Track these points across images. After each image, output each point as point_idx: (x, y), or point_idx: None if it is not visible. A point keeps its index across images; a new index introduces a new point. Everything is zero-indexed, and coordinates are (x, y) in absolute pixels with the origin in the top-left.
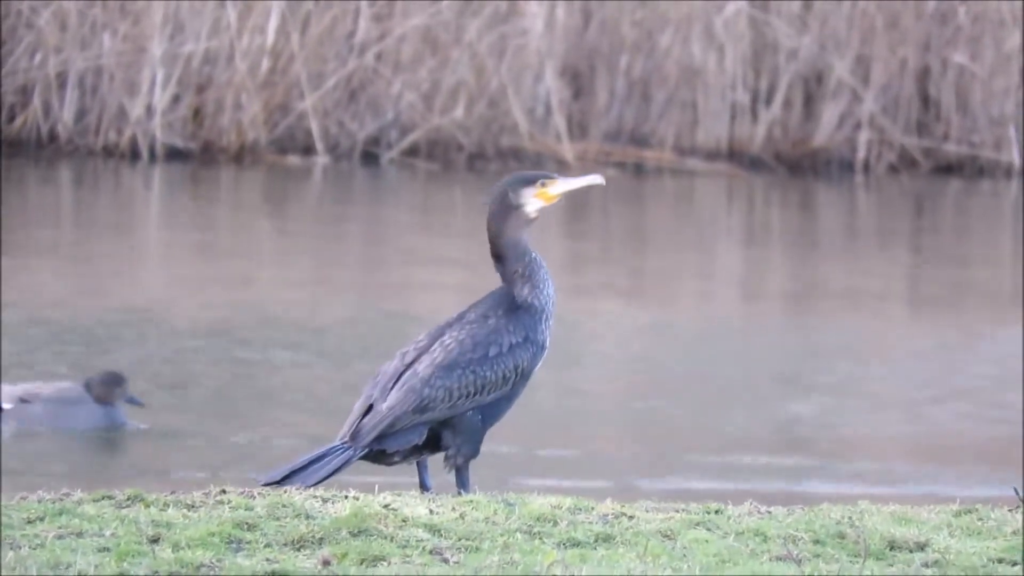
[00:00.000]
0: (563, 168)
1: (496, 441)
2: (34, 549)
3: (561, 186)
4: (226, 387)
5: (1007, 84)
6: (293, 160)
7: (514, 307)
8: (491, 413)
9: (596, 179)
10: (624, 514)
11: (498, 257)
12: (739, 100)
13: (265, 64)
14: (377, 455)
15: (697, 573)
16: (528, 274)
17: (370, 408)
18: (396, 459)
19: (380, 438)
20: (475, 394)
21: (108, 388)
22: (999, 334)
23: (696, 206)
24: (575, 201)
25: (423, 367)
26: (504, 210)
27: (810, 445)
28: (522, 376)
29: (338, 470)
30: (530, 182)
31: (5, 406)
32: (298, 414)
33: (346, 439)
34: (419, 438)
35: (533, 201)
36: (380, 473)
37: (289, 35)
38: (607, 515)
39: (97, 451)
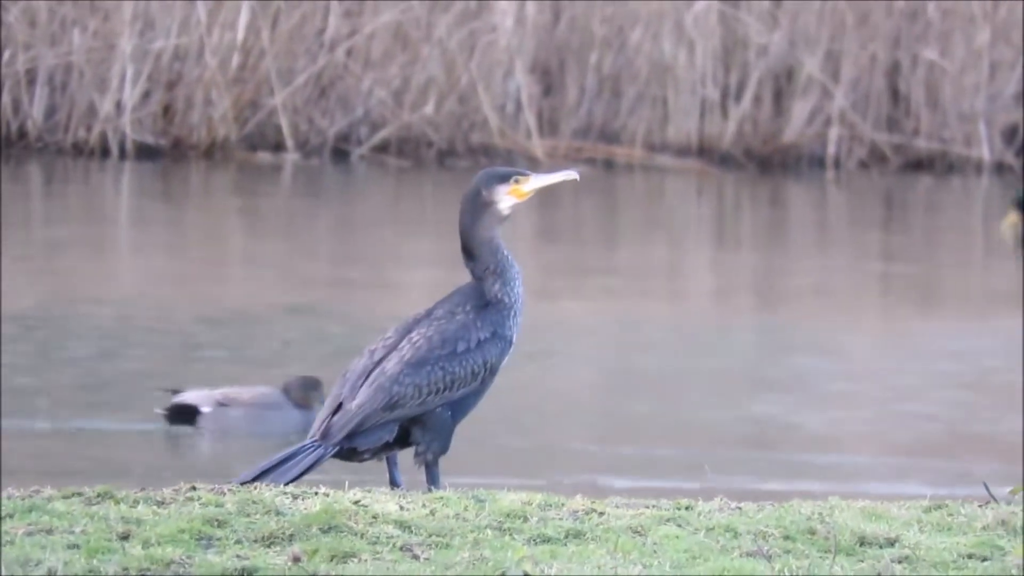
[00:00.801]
0: (534, 165)
1: (465, 438)
2: (3, 546)
3: (534, 183)
4: (195, 383)
5: (977, 80)
6: (263, 157)
7: (482, 303)
8: (460, 409)
9: (570, 175)
10: (594, 510)
11: (469, 253)
12: (709, 96)
13: (235, 60)
14: (348, 453)
15: (667, 569)
16: (499, 271)
17: (339, 406)
18: (367, 456)
19: (350, 436)
20: (444, 390)
21: (306, 392)
22: (968, 331)
23: (667, 203)
24: (545, 198)
25: (392, 364)
26: (477, 207)
27: (780, 442)
28: (490, 371)
29: (309, 469)
30: (504, 179)
31: (204, 410)
32: None
33: (316, 438)
34: (390, 435)
35: (506, 198)
36: (350, 469)
37: (259, 31)
38: (577, 511)
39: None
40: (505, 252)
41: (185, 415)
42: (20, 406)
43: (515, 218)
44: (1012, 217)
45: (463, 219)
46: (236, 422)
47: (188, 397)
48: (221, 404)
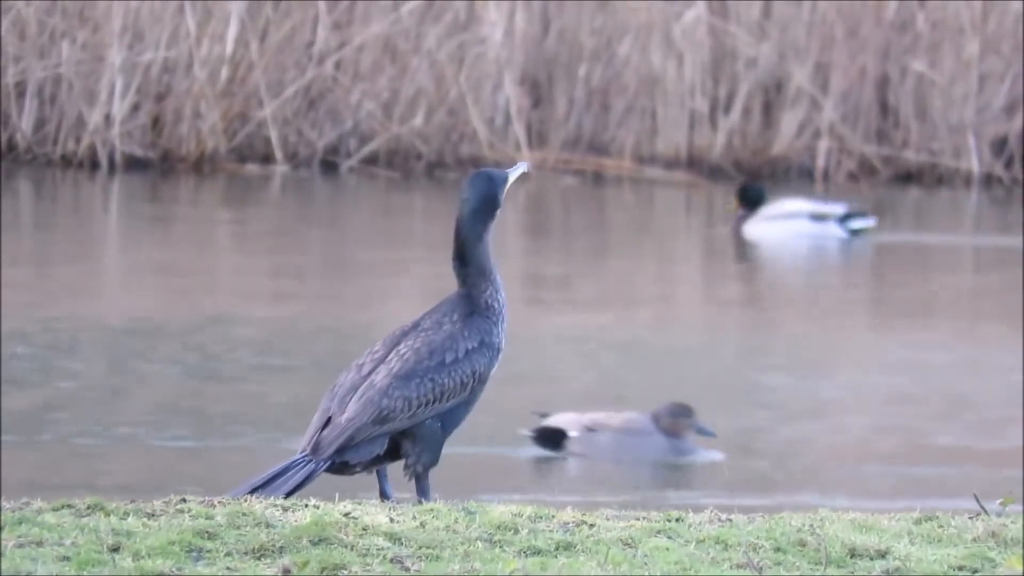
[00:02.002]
0: (522, 177)
1: (455, 450)
2: None
3: (509, 180)
4: (187, 399)
5: (966, 91)
6: (252, 169)
7: (468, 311)
8: (451, 420)
9: (523, 167)
10: (585, 522)
11: (464, 258)
12: (698, 108)
13: (224, 73)
14: (339, 467)
15: None
16: (491, 276)
17: (328, 421)
18: (358, 469)
19: (341, 450)
20: (434, 402)
21: (676, 419)
22: (957, 343)
23: (656, 214)
24: (534, 210)
25: (380, 378)
26: (491, 209)
27: (769, 454)
28: (479, 381)
29: (302, 484)
30: (506, 180)
31: (571, 434)
32: (258, 424)
33: (307, 452)
34: (380, 449)
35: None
36: (340, 481)
37: (248, 44)
38: (568, 523)
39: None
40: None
41: (553, 439)
42: (29, 422)
43: (503, 230)
44: (732, 206)
45: (469, 221)
46: (603, 447)
47: (557, 421)
48: (589, 429)
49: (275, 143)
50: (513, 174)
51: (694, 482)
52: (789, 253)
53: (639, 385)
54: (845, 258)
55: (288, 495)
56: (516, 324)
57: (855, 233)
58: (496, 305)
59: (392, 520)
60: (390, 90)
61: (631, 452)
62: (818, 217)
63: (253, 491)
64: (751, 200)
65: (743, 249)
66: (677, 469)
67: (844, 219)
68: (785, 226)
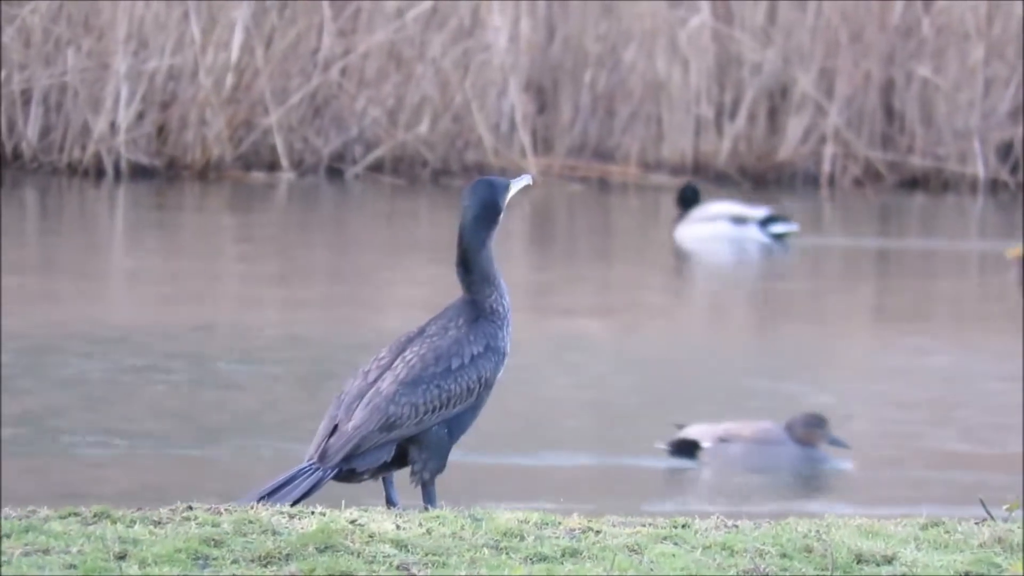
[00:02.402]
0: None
1: (461, 457)
2: (0, 567)
3: (512, 191)
4: (194, 406)
5: (971, 97)
6: (258, 176)
7: (474, 316)
8: (457, 425)
9: (527, 179)
10: (591, 529)
11: (467, 264)
12: (703, 114)
13: (229, 80)
14: (347, 474)
15: None
16: (495, 281)
17: (335, 428)
18: (365, 477)
19: (348, 458)
20: (441, 408)
21: (809, 429)
22: (963, 348)
23: (661, 221)
24: (540, 216)
25: (386, 384)
26: (492, 216)
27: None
28: (486, 386)
29: (309, 492)
30: (508, 187)
31: (705, 445)
32: (265, 431)
33: (314, 459)
34: (388, 455)
35: (505, 207)
36: (346, 488)
37: (253, 51)
38: (574, 530)
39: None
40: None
41: (687, 449)
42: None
43: (509, 236)
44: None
45: (471, 228)
46: (736, 458)
47: (691, 432)
48: (722, 440)
49: (280, 150)
50: (516, 184)
51: (828, 491)
52: (709, 257)
53: (643, 388)
54: (768, 261)
55: (296, 503)
56: (527, 330)
57: (776, 237)
58: (501, 310)
59: (398, 527)
60: (395, 97)
61: (763, 461)
62: (739, 220)
63: (260, 499)
64: (686, 201)
65: (676, 252)
66: (810, 479)
67: (765, 223)
68: (706, 228)
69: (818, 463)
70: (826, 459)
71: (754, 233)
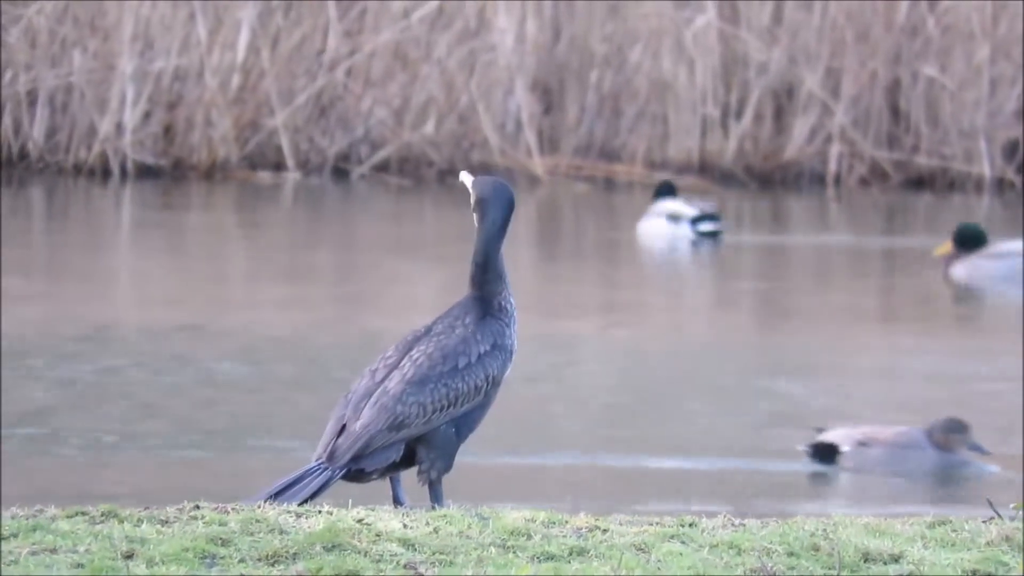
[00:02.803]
0: (534, 183)
1: (469, 457)
2: (8, 566)
3: None
4: (199, 406)
5: (977, 96)
6: (264, 176)
7: (481, 314)
8: (465, 424)
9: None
10: (598, 527)
11: (485, 264)
12: (710, 114)
13: (235, 81)
14: (355, 474)
15: None
16: (505, 278)
17: (343, 428)
18: (374, 476)
19: (357, 458)
20: (449, 407)
21: (949, 434)
22: (967, 349)
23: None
24: (546, 217)
25: (393, 384)
26: (511, 217)
27: (784, 459)
28: (493, 384)
29: (318, 492)
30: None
31: (844, 449)
32: (271, 431)
33: (322, 459)
34: (396, 455)
35: None
36: (353, 488)
37: (259, 51)
38: (581, 529)
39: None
40: None
41: (827, 453)
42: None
43: (516, 235)
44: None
45: (500, 231)
46: (875, 461)
47: (831, 436)
48: (861, 444)
49: (286, 151)
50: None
51: (968, 496)
52: (647, 253)
53: (650, 389)
54: (698, 258)
55: (304, 503)
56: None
57: (703, 235)
58: (509, 307)
59: (405, 526)
60: (401, 97)
61: (902, 465)
62: (674, 218)
63: (269, 499)
64: (658, 197)
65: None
66: (949, 483)
67: (696, 221)
68: (650, 225)
69: (957, 468)
70: (966, 464)
71: (685, 230)
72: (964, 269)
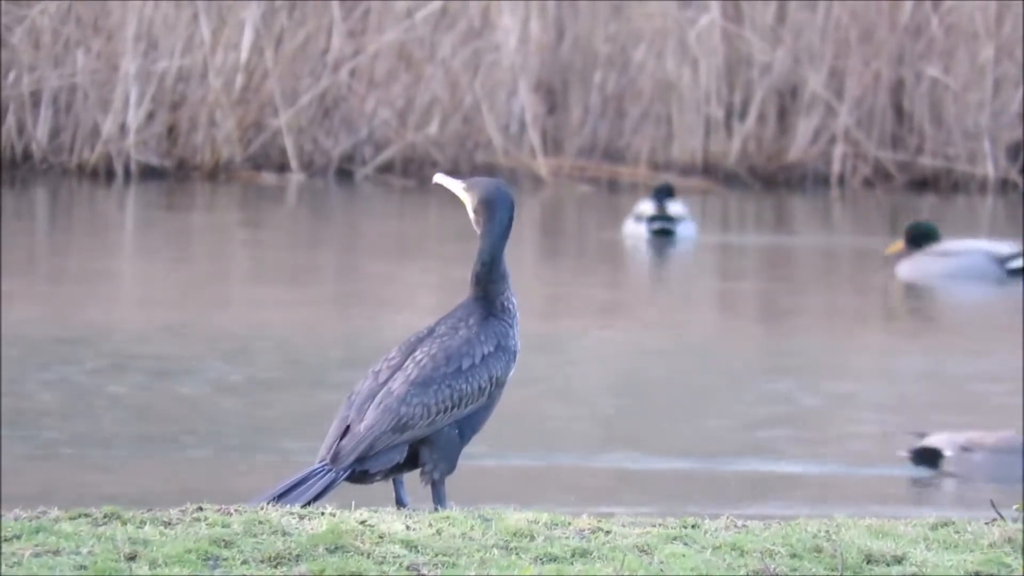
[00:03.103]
0: (538, 184)
1: (473, 457)
2: (10, 567)
3: None
4: (200, 406)
5: (981, 97)
6: (268, 177)
7: (484, 315)
8: (469, 426)
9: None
10: (601, 529)
11: (490, 265)
12: (713, 114)
13: (239, 81)
14: (359, 476)
15: None
16: (508, 279)
17: (347, 429)
18: (378, 478)
19: (361, 459)
20: (453, 408)
21: None
22: (973, 352)
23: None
24: (549, 218)
25: (397, 385)
26: (512, 220)
27: (787, 462)
28: (497, 385)
29: (322, 493)
30: None
31: (947, 454)
32: (273, 433)
33: (326, 461)
34: (400, 456)
35: None
36: (356, 489)
37: (263, 52)
38: (584, 530)
39: None
40: None
41: (929, 458)
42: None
43: (519, 237)
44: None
45: (505, 234)
46: (978, 467)
47: (933, 441)
48: (964, 449)
49: (290, 151)
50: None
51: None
52: (639, 254)
53: (653, 390)
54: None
55: (308, 505)
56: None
57: (655, 233)
58: (511, 308)
59: (408, 528)
60: (405, 98)
61: (1006, 471)
62: (638, 218)
63: (272, 501)
64: (655, 198)
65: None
66: None
67: (651, 220)
68: (625, 225)
69: None
70: None
71: (642, 230)
72: (910, 267)
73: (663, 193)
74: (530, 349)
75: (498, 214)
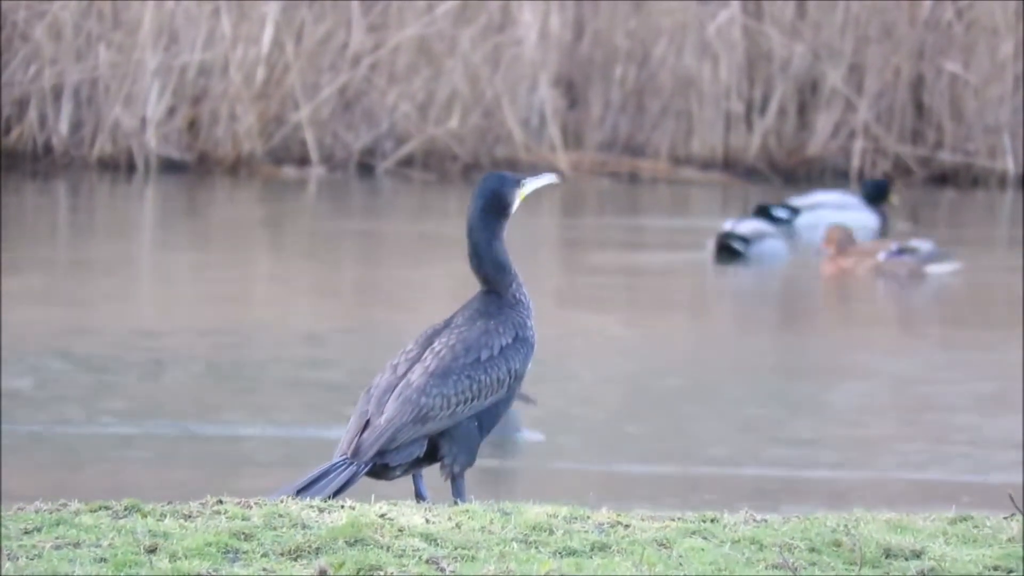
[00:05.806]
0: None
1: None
2: (31, 560)
3: (530, 186)
4: (221, 400)
5: (1001, 92)
6: (288, 171)
7: (500, 307)
8: (488, 418)
9: (551, 178)
10: (620, 523)
11: (480, 258)
12: (733, 109)
13: (260, 75)
14: (380, 470)
15: None
16: (512, 272)
17: (367, 423)
18: (399, 472)
19: (382, 452)
20: (472, 399)
21: None
22: (994, 347)
23: (691, 216)
24: (569, 211)
25: (416, 376)
26: (499, 210)
27: (802, 458)
28: (516, 378)
29: (344, 487)
30: (517, 183)
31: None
32: (295, 425)
33: (346, 455)
34: (420, 450)
35: (517, 201)
36: (375, 483)
37: (284, 46)
38: (603, 524)
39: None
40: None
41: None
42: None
43: (538, 230)
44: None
45: (479, 220)
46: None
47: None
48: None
49: (311, 145)
50: (534, 182)
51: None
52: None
53: (670, 386)
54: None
55: (329, 499)
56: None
57: (721, 251)
58: (524, 299)
59: (428, 521)
60: (425, 92)
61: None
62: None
63: (295, 495)
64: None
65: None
66: None
67: (722, 237)
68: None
69: None
70: None
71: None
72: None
73: (763, 209)
74: (545, 343)
75: (471, 203)
